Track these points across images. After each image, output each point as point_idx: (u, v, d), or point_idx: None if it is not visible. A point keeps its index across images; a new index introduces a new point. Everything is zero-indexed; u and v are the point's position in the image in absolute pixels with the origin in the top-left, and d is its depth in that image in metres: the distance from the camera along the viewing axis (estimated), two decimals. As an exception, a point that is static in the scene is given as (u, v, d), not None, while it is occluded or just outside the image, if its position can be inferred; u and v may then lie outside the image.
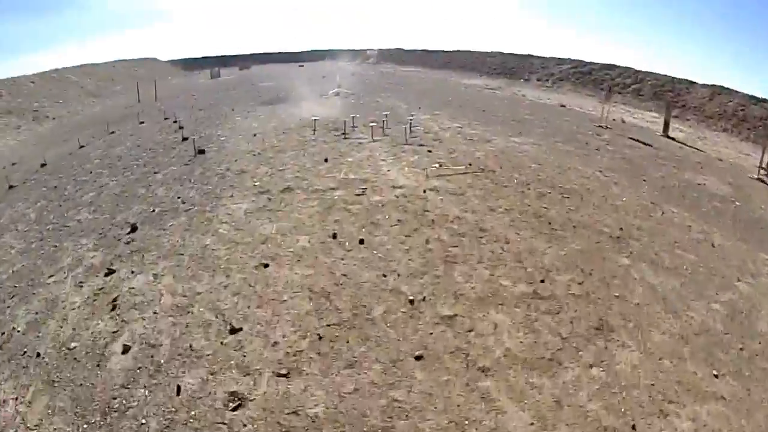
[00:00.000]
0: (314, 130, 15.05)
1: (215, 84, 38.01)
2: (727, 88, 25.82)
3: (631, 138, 18.29)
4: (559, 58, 38.38)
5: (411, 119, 15.71)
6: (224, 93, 29.01)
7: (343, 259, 7.56)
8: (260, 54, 65.38)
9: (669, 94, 28.19)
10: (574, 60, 37.15)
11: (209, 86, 35.96)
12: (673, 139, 20.25)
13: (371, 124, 14.64)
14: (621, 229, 9.13)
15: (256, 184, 10.71)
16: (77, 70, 41.80)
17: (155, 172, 12.35)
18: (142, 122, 20.00)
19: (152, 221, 9.44)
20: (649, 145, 17.64)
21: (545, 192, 10.43)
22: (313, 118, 15.78)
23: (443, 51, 50.43)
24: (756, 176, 15.58)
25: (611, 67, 34.08)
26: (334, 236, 8.15)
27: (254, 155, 12.94)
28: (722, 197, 12.68)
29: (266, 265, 7.45)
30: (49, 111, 29.83)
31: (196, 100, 26.44)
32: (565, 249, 8.12)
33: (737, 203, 12.48)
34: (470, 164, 11.62)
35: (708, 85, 26.86)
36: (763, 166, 15.87)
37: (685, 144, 19.65)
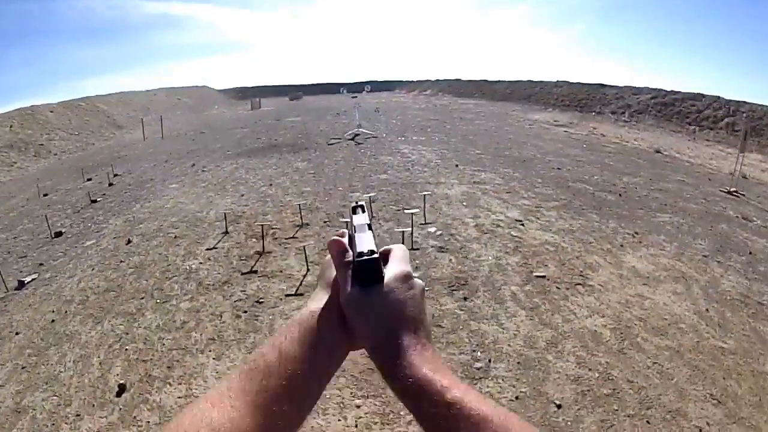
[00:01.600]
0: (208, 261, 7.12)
1: (243, 117, 31.79)
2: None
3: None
4: (636, 87, 29.90)
5: (415, 212, 7.04)
6: (226, 132, 22.48)
7: None
8: (325, 84, 60.26)
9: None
10: (652, 89, 28.59)
11: (234, 120, 29.71)
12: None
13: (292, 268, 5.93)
14: None
15: None
16: (112, 99, 37.12)
17: None
18: (89, 179, 13.14)
19: None
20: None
21: None
22: (221, 216, 7.69)
23: (505, 81, 41.99)
24: None
25: (697, 96, 25.20)
26: None
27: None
28: None
29: None
30: (56, 145, 24.53)
31: (192, 140, 20.22)
32: None
33: None
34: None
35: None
36: None
37: None
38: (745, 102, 22.65)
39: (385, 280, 0.63)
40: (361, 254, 0.63)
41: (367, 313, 0.62)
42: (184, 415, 0.51)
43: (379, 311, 0.61)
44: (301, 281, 5.57)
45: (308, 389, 0.59)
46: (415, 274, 0.66)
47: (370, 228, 0.70)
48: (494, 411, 0.50)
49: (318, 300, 0.67)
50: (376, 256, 0.63)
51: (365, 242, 0.66)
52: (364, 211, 0.75)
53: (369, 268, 0.62)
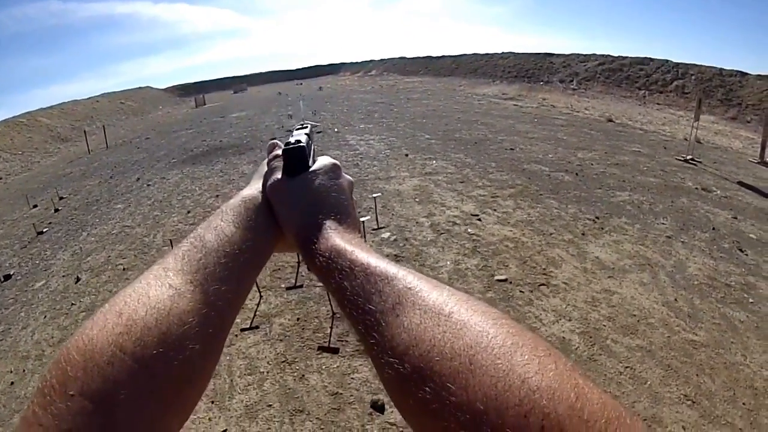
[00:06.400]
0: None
1: (188, 116, 30.61)
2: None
3: (742, 184, 9.60)
4: (583, 54, 30.56)
5: (366, 219, 6.65)
6: (171, 135, 21.62)
7: None
8: (267, 73, 59.10)
9: (720, 90, 20.00)
10: (599, 55, 29.36)
11: (178, 121, 28.60)
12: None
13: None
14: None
15: None
16: (53, 111, 34.98)
17: None
18: (35, 206, 12.13)
19: None
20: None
21: None
22: (168, 240, 7.33)
23: (449, 56, 41.85)
24: None
25: (645, 60, 26.00)
26: None
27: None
28: None
29: None
30: (0, 168, 22.87)
31: (137, 149, 19.39)
32: None
33: None
34: None
35: (764, 76, 19.35)
36: None
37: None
38: (693, 64, 23.25)
39: (311, 169, 0.63)
40: (288, 143, 0.64)
41: (289, 199, 0.61)
42: (118, 297, 0.45)
43: (301, 197, 0.60)
44: (255, 311, 5.12)
45: (246, 271, 0.55)
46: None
47: (309, 141, 0.69)
48: (403, 271, 0.47)
49: (249, 188, 0.66)
50: (302, 144, 0.64)
51: (296, 136, 0.67)
52: (305, 128, 0.75)
53: (294, 156, 0.63)
